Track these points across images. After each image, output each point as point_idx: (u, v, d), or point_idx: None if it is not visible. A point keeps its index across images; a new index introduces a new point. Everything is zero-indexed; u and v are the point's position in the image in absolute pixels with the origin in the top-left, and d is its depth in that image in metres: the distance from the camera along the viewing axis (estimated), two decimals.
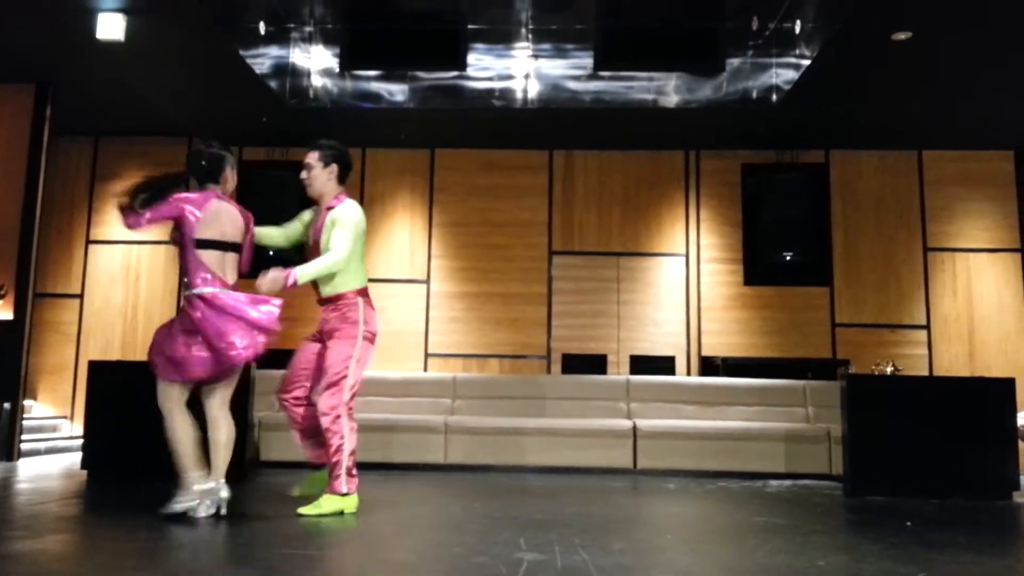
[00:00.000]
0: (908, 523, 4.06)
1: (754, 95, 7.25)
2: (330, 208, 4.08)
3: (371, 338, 4.10)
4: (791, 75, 6.85)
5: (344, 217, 4.02)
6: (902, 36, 5.89)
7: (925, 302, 8.14)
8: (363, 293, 4.12)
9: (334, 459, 3.93)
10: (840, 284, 8.20)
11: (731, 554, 3.18)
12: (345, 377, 3.97)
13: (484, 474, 6.16)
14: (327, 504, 3.91)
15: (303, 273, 3.87)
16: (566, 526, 3.66)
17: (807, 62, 6.46)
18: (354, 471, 3.99)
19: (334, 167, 4.12)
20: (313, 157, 4.12)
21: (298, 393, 4.12)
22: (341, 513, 3.90)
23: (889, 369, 5.71)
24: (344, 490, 3.94)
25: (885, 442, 5.33)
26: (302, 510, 3.86)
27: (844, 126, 7.77)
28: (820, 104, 7.19)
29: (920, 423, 5.36)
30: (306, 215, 4.23)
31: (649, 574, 2.70)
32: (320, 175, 4.10)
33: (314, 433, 4.10)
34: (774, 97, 7.18)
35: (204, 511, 3.63)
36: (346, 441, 3.94)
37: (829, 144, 8.30)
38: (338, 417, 3.93)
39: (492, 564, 2.75)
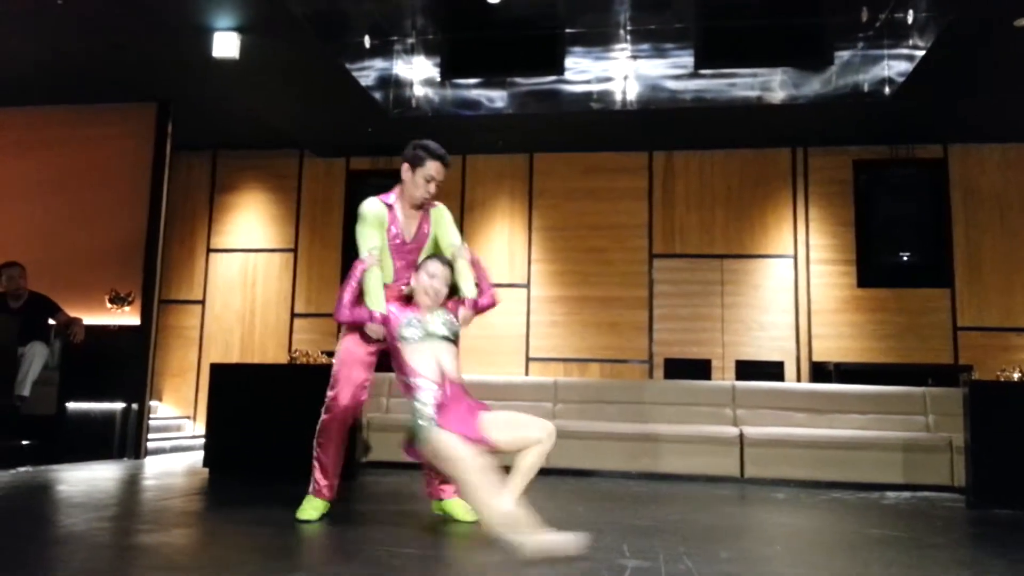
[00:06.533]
0: None
1: (865, 88, 6.97)
2: (429, 208, 3.93)
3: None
4: (904, 67, 6.55)
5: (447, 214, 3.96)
6: None
7: None
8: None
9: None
10: (961, 285, 7.78)
11: (844, 566, 3.06)
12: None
13: (586, 479, 6.14)
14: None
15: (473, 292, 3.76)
16: (670, 533, 3.61)
17: (921, 53, 6.16)
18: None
19: None
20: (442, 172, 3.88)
21: None
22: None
23: (1016, 375, 5.37)
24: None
25: (1012, 452, 5.02)
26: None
27: (963, 119, 7.37)
28: (936, 96, 6.85)
29: None
30: (376, 238, 3.85)
31: None
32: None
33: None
34: (887, 90, 6.88)
35: None
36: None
37: (947, 138, 7.89)
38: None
39: (595, 570, 2.74)
